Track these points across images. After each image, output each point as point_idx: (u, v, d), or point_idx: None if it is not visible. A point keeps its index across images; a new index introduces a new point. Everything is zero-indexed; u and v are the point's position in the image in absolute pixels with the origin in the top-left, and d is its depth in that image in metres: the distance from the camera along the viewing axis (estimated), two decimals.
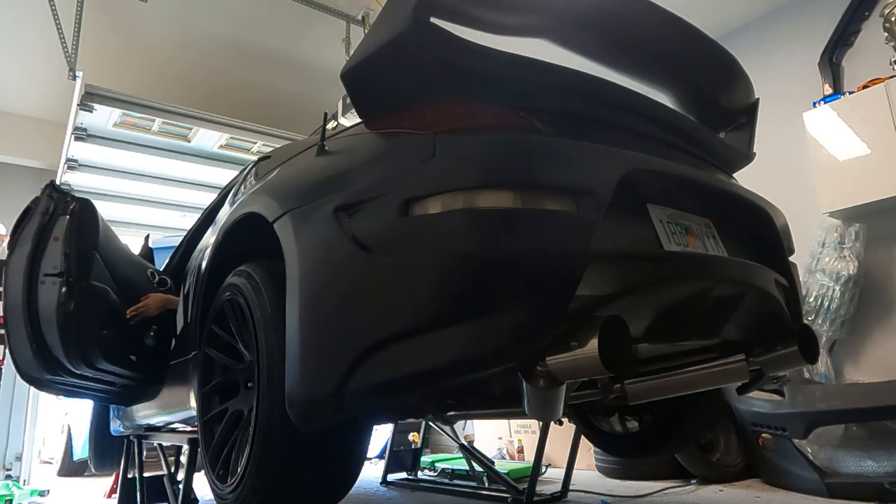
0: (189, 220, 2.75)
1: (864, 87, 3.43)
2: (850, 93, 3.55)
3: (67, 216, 2.28)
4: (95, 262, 2.35)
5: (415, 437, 4.15)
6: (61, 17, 3.71)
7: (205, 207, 2.87)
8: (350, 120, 3.65)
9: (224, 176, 3.81)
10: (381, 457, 4.44)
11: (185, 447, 2.85)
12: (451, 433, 3.32)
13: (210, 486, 1.64)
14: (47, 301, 2.24)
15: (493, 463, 3.32)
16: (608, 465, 3.40)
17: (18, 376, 2.52)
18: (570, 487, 2.84)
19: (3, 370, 4.42)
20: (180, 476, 2.83)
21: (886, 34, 3.43)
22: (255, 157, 2.96)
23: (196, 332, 1.91)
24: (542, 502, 2.70)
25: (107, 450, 3.27)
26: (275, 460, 1.36)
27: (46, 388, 2.61)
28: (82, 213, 2.35)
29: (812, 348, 1.51)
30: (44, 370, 2.36)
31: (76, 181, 4.21)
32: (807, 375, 3.23)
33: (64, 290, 2.22)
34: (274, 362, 1.36)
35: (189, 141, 4.13)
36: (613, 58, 1.79)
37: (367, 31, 3.31)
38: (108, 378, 2.51)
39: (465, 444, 3.26)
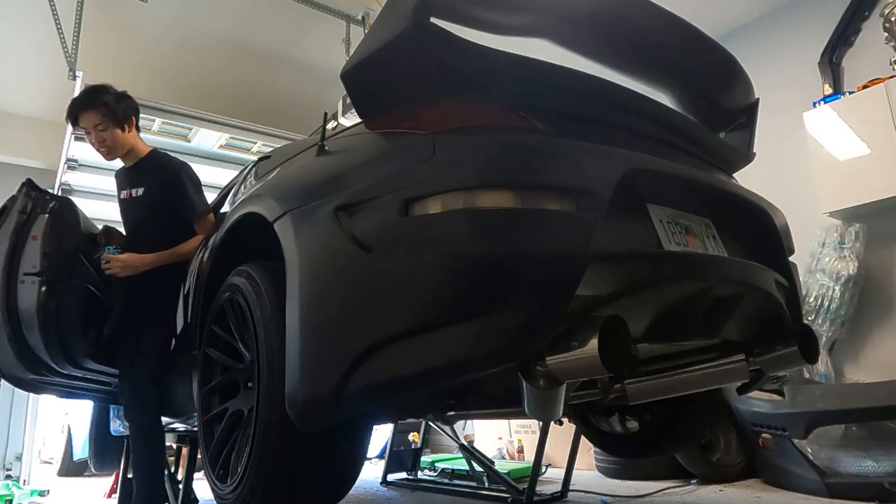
0: None
1: (864, 87, 3.42)
2: (850, 93, 3.54)
3: (47, 215, 2.26)
4: (79, 261, 2.32)
5: (415, 437, 4.15)
6: (61, 17, 3.71)
7: None
8: (350, 120, 3.65)
9: (224, 176, 3.81)
10: (381, 457, 4.44)
11: (185, 447, 2.86)
12: (451, 433, 3.32)
13: (210, 486, 1.64)
14: (27, 301, 2.22)
15: (493, 463, 3.32)
16: (608, 465, 3.40)
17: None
18: (570, 487, 2.84)
19: None
20: (180, 476, 2.83)
21: (886, 34, 3.43)
22: (255, 157, 2.96)
23: (196, 332, 1.91)
24: (542, 502, 2.70)
25: (107, 450, 3.27)
26: (275, 460, 1.36)
27: (32, 389, 2.59)
28: (62, 211, 2.33)
29: (812, 348, 1.51)
30: (27, 371, 2.35)
31: (76, 181, 4.21)
32: (807, 375, 3.23)
33: (44, 289, 2.20)
34: (274, 362, 1.36)
35: (189, 141, 4.13)
36: (613, 58, 1.79)
37: (367, 31, 3.31)
38: (101, 378, 2.49)
39: (465, 444, 3.26)
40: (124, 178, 2.48)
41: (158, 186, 2.35)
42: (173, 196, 2.34)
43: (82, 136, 3.67)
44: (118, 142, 2.36)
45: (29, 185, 2.35)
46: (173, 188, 2.34)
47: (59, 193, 4.24)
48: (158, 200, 2.35)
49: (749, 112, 1.99)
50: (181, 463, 3.23)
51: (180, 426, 2.67)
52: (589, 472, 3.55)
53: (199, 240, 2.30)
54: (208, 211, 2.39)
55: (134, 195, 2.41)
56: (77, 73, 3.61)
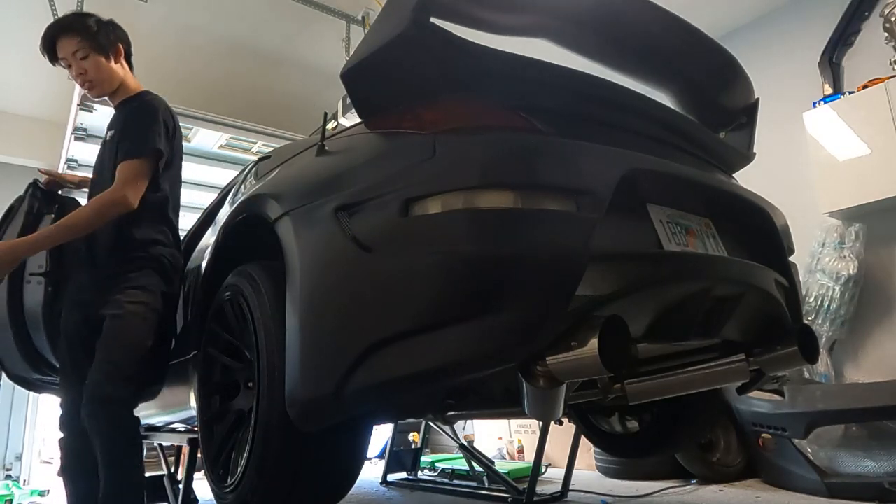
0: (189, 220, 2.74)
1: (864, 87, 3.42)
2: (850, 93, 3.54)
3: (52, 215, 2.24)
4: None
5: (415, 437, 4.15)
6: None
7: (205, 207, 2.88)
8: (350, 120, 3.65)
9: (224, 176, 3.81)
10: (381, 457, 4.44)
11: (185, 447, 2.86)
12: (451, 433, 3.32)
13: (210, 486, 1.64)
14: (33, 300, 2.22)
15: (493, 463, 3.32)
16: (608, 465, 3.40)
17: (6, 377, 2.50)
18: (570, 487, 2.84)
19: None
20: (180, 476, 2.83)
21: (886, 34, 3.43)
22: (255, 157, 2.96)
23: (196, 332, 1.91)
24: (542, 502, 2.70)
25: None
26: (275, 460, 1.36)
27: (37, 389, 2.59)
28: (67, 212, 2.30)
29: (812, 348, 1.51)
30: (32, 370, 2.35)
31: None
32: (807, 375, 3.23)
33: (50, 289, 2.20)
34: (274, 362, 1.36)
35: (189, 141, 4.13)
36: (613, 58, 1.79)
37: (367, 31, 3.31)
38: None
39: (465, 444, 3.26)
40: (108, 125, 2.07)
41: (123, 124, 1.94)
42: (127, 131, 1.90)
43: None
44: (103, 73, 1.95)
45: (35, 185, 2.33)
46: (132, 121, 1.91)
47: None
48: (118, 139, 1.92)
49: (749, 112, 2.00)
50: (181, 463, 3.23)
51: (181, 426, 2.67)
52: (589, 472, 3.55)
53: (99, 206, 1.78)
54: (145, 155, 1.84)
55: (108, 138, 2.01)
56: None
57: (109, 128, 2.03)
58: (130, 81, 2.05)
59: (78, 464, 1.84)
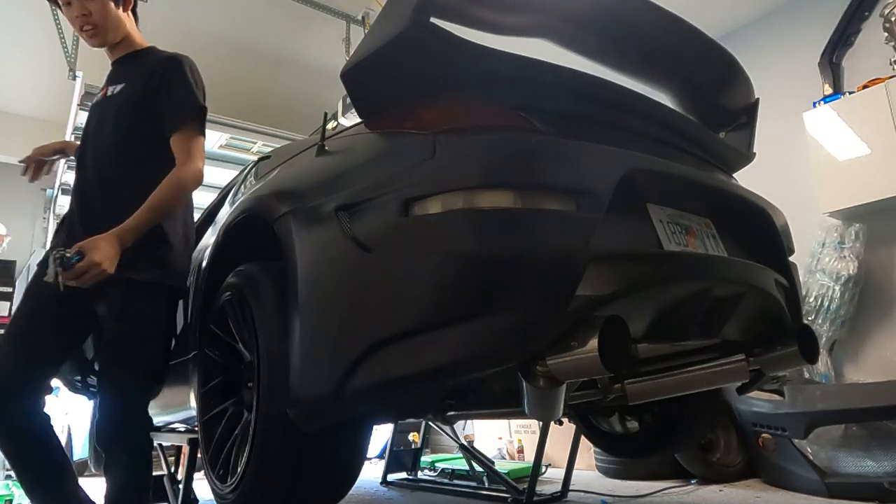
0: None
1: (864, 87, 3.42)
2: (850, 93, 3.54)
3: None
4: None
5: (415, 437, 4.15)
6: (61, 17, 3.71)
7: (205, 207, 2.88)
8: (350, 120, 3.65)
9: (224, 176, 3.80)
10: (381, 457, 4.44)
11: (185, 447, 2.86)
12: (451, 433, 3.32)
13: (210, 486, 1.64)
14: None
15: (493, 463, 3.32)
16: (608, 465, 3.40)
17: None
18: (570, 487, 2.84)
19: None
20: (180, 476, 2.83)
21: (886, 34, 3.43)
22: (255, 157, 2.96)
23: (196, 332, 1.91)
24: (542, 502, 2.70)
25: None
26: (275, 460, 1.36)
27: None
28: None
29: (812, 348, 1.51)
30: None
31: None
32: (807, 375, 3.23)
33: None
34: (274, 362, 1.36)
35: None
36: (613, 58, 1.79)
37: (367, 31, 3.31)
38: None
39: (465, 444, 3.26)
40: (104, 82, 1.87)
41: (145, 78, 1.73)
42: (161, 88, 1.70)
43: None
44: (109, 19, 1.75)
45: None
46: (164, 77, 1.72)
47: (60, 194, 4.25)
48: (140, 96, 1.71)
49: (749, 112, 2.00)
50: (181, 463, 3.23)
51: (181, 426, 2.67)
52: (589, 472, 3.55)
53: (179, 185, 1.64)
54: (197, 120, 1.71)
55: (109, 93, 1.79)
56: (77, 73, 3.61)
57: (113, 82, 1.82)
58: (136, 35, 1.89)
59: (33, 468, 1.63)
